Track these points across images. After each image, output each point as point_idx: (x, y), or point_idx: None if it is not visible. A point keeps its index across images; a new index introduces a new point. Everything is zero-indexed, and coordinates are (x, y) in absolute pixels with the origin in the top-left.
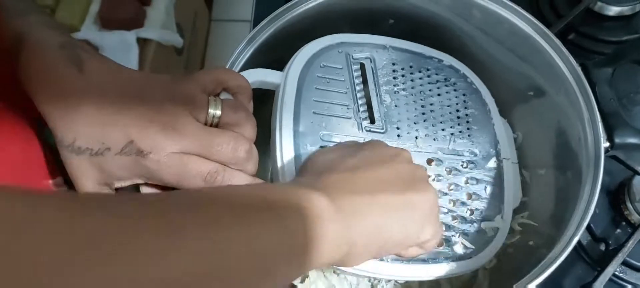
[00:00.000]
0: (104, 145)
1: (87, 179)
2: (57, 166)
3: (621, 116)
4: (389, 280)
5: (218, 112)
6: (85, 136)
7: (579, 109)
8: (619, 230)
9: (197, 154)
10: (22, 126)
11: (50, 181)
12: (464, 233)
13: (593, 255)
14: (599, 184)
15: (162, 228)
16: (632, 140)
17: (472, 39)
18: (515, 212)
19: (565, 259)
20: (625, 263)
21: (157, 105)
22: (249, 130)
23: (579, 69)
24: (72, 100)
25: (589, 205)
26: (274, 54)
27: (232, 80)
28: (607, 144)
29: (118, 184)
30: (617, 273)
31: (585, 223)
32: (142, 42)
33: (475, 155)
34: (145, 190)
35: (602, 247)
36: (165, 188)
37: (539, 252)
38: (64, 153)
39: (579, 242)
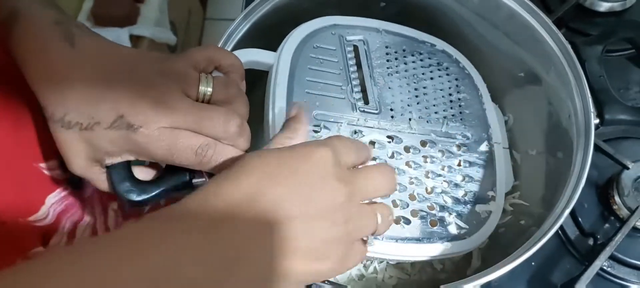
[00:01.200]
0: (94, 119)
1: (76, 155)
2: (52, 149)
3: (611, 93)
4: (382, 261)
5: (209, 89)
6: (75, 111)
7: (568, 86)
8: (607, 225)
9: (188, 129)
10: (12, 108)
11: (42, 164)
12: (458, 214)
13: (581, 250)
14: (590, 158)
15: None
16: (621, 116)
17: (464, 21)
18: (507, 193)
19: (554, 253)
20: (613, 257)
21: (148, 81)
22: (241, 107)
23: (568, 46)
24: (63, 75)
25: (580, 179)
26: (266, 39)
27: (224, 58)
28: (597, 121)
29: (109, 160)
30: (605, 267)
31: (576, 197)
32: (135, 39)
33: (468, 138)
34: (137, 172)
35: (590, 241)
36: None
37: (529, 230)
38: (54, 128)
39: (567, 237)
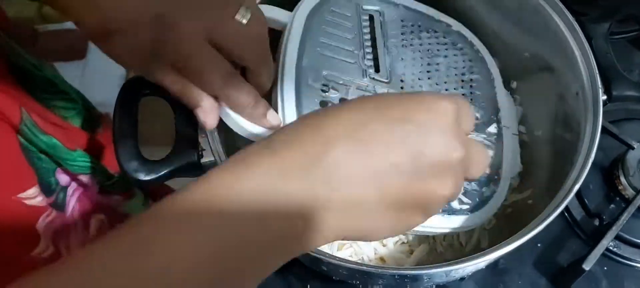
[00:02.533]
0: (134, 22)
1: (124, 58)
2: (35, 173)
3: (618, 69)
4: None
5: (244, 21)
6: (114, 20)
7: (576, 64)
8: (612, 205)
9: (219, 45)
10: None
11: (20, 195)
12: (462, 191)
13: (587, 231)
14: (598, 134)
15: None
16: (629, 92)
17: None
18: (513, 178)
19: (560, 234)
20: (619, 237)
21: None
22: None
23: (575, 23)
24: None
25: (588, 155)
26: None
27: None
28: (605, 97)
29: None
30: (610, 247)
31: (585, 173)
32: None
33: (477, 119)
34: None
35: (596, 222)
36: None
37: (537, 210)
38: (100, 45)
39: (573, 218)
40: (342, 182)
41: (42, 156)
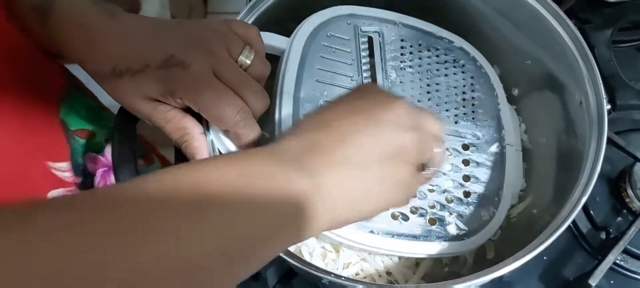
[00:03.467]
0: (144, 62)
1: (130, 97)
2: (69, 151)
3: (621, 78)
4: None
5: (248, 61)
6: (124, 60)
7: (579, 73)
8: (619, 218)
9: (230, 86)
10: (26, 105)
11: (50, 163)
12: (459, 215)
13: (593, 244)
14: (604, 146)
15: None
16: (633, 101)
17: (470, 9)
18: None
19: (566, 248)
20: (626, 251)
21: (196, 33)
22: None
23: (577, 32)
24: (109, 37)
25: (595, 167)
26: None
27: (258, 44)
28: (609, 106)
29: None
30: (618, 261)
31: (591, 186)
32: None
33: (478, 138)
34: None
35: (603, 235)
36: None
37: (542, 219)
38: (104, 85)
39: (579, 231)
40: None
41: (77, 137)
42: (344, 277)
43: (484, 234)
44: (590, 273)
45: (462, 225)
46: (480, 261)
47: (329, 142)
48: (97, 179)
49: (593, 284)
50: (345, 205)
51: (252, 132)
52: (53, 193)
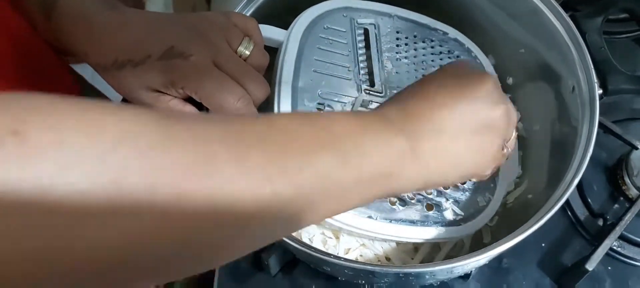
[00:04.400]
0: (145, 53)
1: (131, 88)
2: None
3: (612, 63)
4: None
5: (247, 52)
6: (125, 50)
7: (571, 59)
8: (616, 205)
9: (231, 75)
10: None
11: None
12: (456, 201)
13: (591, 231)
14: (596, 129)
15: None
16: (624, 85)
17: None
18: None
19: (564, 234)
20: (622, 237)
21: (195, 25)
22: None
23: (569, 19)
24: (111, 29)
25: (587, 150)
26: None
27: (257, 36)
28: (601, 91)
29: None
30: (614, 247)
31: (583, 168)
32: None
33: None
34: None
35: (600, 222)
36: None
37: (538, 204)
38: (107, 76)
39: (576, 218)
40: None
41: None
42: (344, 259)
43: (481, 219)
44: (587, 258)
45: (458, 211)
46: (478, 246)
47: (426, 111)
48: None
49: (590, 269)
50: (437, 168)
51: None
52: None
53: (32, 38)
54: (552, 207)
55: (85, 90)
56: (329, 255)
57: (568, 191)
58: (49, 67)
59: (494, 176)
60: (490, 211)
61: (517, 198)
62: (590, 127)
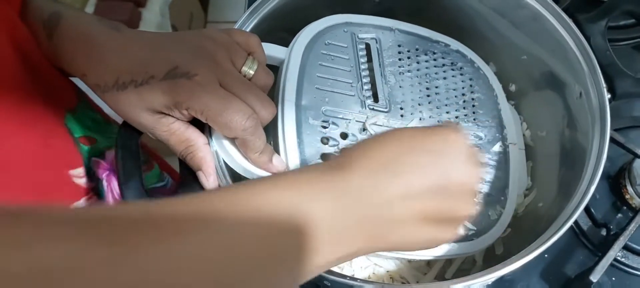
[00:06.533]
0: (148, 74)
1: (134, 110)
2: (80, 156)
3: (619, 66)
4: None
5: (251, 72)
6: (127, 71)
7: (576, 65)
8: (619, 215)
9: (237, 95)
10: (44, 115)
11: (70, 171)
12: None
13: (594, 241)
14: (608, 135)
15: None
16: (633, 89)
17: (466, 9)
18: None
19: (567, 245)
20: (626, 247)
21: (199, 44)
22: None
23: (572, 23)
24: (113, 49)
25: (600, 157)
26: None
27: (260, 54)
28: (609, 96)
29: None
30: (618, 257)
31: (598, 176)
32: None
33: (481, 138)
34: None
35: (603, 232)
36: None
37: (549, 213)
38: (106, 98)
39: (580, 228)
40: (384, 203)
41: (81, 144)
42: (349, 277)
43: (493, 233)
44: (591, 269)
45: (470, 226)
46: (490, 257)
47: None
48: (104, 184)
49: (594, 280)
50: (389, 240)
51: (260, 139)
52: (80, 204)
53: (37, 49)
54: (560, 227)
55: (86, 108)
56: (344, 276)
57: (577, 211)
58: (50, 76)
59: (505, 188)
60: (501, 225)
61: (528, 206)
62: (602, 136)
